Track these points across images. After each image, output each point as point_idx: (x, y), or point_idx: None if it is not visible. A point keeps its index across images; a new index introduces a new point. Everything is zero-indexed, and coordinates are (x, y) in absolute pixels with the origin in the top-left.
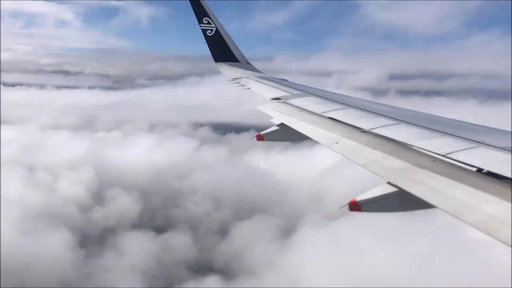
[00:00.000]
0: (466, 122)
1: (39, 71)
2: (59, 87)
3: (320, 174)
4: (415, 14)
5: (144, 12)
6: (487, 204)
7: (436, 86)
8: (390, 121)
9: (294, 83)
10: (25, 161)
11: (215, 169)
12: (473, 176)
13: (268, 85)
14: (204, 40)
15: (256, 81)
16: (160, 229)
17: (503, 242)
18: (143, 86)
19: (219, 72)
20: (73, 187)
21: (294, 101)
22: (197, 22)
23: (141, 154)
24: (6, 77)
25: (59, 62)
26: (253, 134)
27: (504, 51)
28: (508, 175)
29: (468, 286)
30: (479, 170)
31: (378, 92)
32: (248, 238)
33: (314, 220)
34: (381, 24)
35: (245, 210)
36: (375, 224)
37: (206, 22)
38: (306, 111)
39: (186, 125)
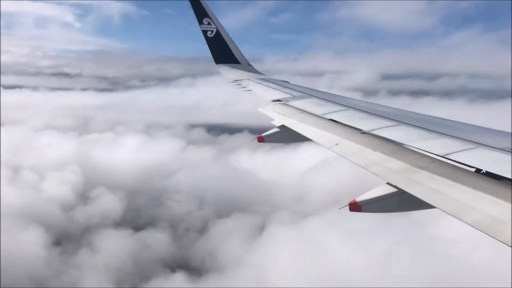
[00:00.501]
0: (465, 123)
1: (36, 73)
2: (55, 89)
3: (302, 173)
4: (393, 12)
5: (142, 14)
6: (487, 204)
7: (425, 86)
8: (390, 123)
9: (295, 85)
10: (11, 161)
11: (200, 169)
12: (472, 177)
13: (269, 87)
14: (205, 42)
15: (257, 83)
16: (141, 228)
17: (503, 242)
18: (138, 87)
19: (212, 73)
20: (58, 187)
21: (295, 103)
22: (197, 23)
23: (128, 154)
24: (3, 79)
25: (57, 64)
26: (246, 135)
27: (485, 49)
28: (507, 175)
29: (432, 284)
30: (478, 170)
31: (369, 92)
32: (224, 236)
33: (287, 218)
34: (358, 23)
35: (227, 209)
36: (347, 221)
37: (206, 23)
38: (306, 113)
39: (180, 126)
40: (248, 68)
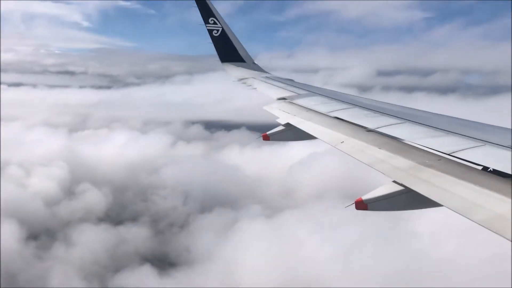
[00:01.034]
0: (471, 121)
1: (41, 71)
2: (54, 86)
3: (288, 169)
4: (375, 5)
5: (148, 12)
6: (493, 202)
7: (415, 81)
8: (395, 120)
9: (300, 83)
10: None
11: (188, 165)
12: (479, 175)
13: (274, 85)
14: (210, 40)
15: (262, 81)
16: (122, 223)
17: (510, 240)
18: (136, 84)
19: (214, 71)
20: (43, 182)
21: (300, 101)
22: (203, 22)
23: (117, 150)
24: (5, 77)
25: (62, 63)
26: (244, 132)
27: (470, 44)
28: None
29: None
30: (485, 168)
31: (363, 88)
32: (202, 231)
33: (265, 212)
34: (339, 17)
35: (211, 204)
36: (323, 215)
37: (212, 22)
38: (311, 111)
39: (177, 123)
40: (253, 66)
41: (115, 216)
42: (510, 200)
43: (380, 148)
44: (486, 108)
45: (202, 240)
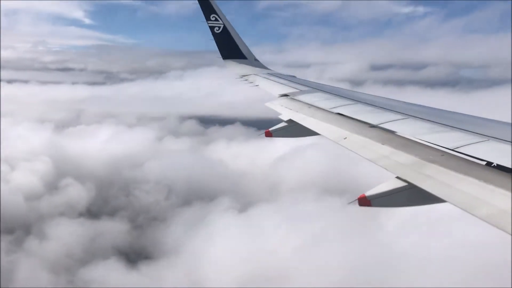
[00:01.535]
0: (474, 116)
1: (40, 68)
2: (46, 82)
3: (271, 163)
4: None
5: (150, 9)
6: (497, 197)
7: (409, 75)
8: (398, 116)
9: (302, 79)
10: None
11: (173, 159)
12: (483, 170)
13: (276, 81)
14: (212, 37)
15: (264, 78)
16: (102, 217)
17: None
18: (132, 80)
19: (212, 66)
20: (26, 177)
21: (302, 97)
22: (204, 19)
23: (103, 145)
24: (2, 74)
25: (60, 60)
26: (238, 127)
27: (452, 37)
28: None
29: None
30: (489, 163)
31: (356, 82)
32: (178, 225)
33: (239, 206)
34: (318, 11)
35: (193, 199)
36: (293, 210)
37: (213, 19)
38: (314, 107)
39: (172, 118)
40: (255, 63)
41: (96, 210)
42: None
43: (383, 144)
44: (482, 102)
45: (175, 233)
